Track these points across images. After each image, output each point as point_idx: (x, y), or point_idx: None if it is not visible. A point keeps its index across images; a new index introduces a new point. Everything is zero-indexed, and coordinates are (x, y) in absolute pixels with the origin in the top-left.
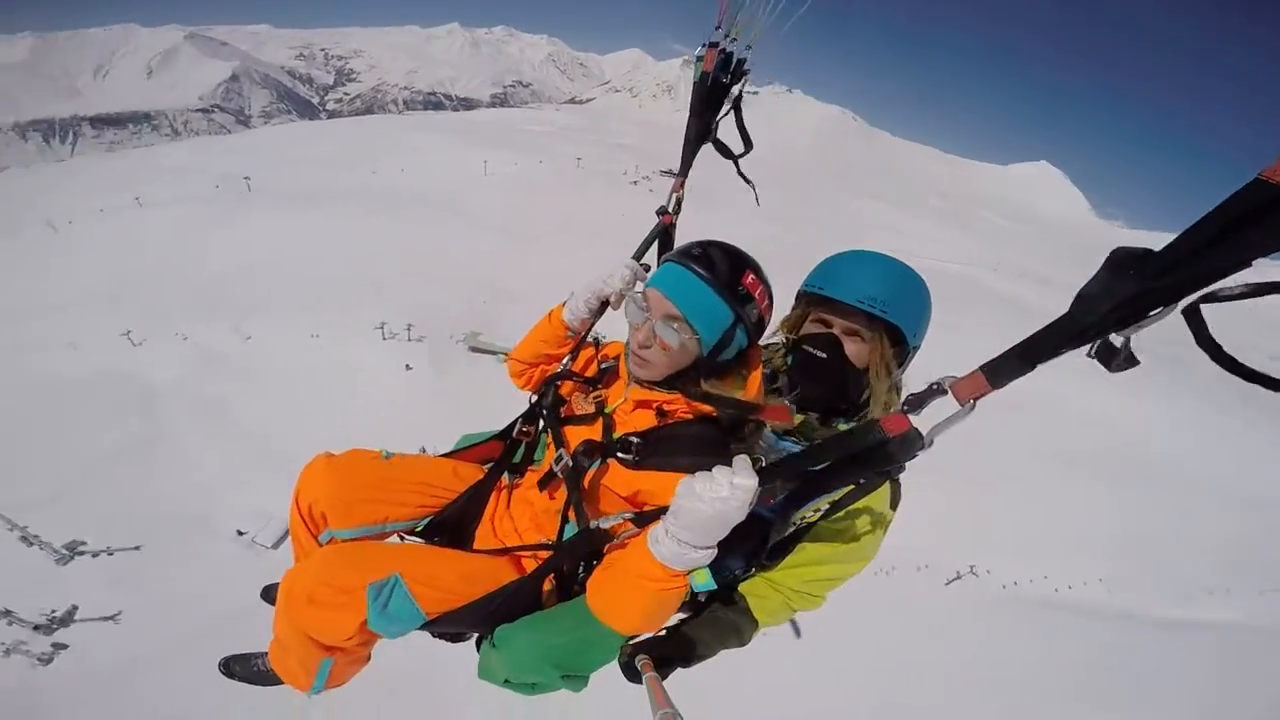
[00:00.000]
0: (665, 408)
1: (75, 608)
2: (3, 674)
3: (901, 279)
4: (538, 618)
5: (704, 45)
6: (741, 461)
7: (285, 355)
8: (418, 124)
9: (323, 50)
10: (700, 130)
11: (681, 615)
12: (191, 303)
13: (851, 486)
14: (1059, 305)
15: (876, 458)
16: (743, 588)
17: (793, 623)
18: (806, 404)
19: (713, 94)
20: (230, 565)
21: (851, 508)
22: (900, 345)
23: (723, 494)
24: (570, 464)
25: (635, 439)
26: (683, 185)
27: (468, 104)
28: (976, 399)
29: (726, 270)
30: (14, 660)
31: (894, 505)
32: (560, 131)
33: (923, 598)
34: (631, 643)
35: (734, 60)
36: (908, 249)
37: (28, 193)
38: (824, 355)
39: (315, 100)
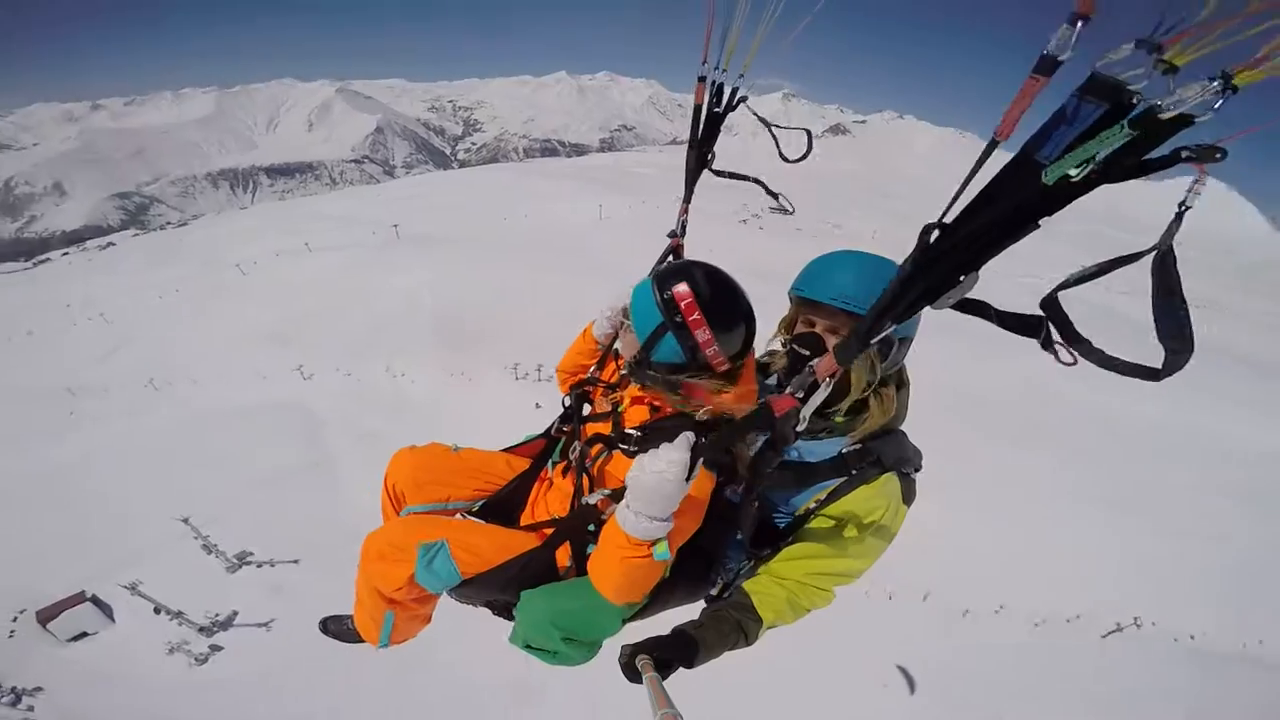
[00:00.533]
0: (654, 403)
1: (235, 613)
2: (163, 671)
3: (875, 275)
4: (554, 586)
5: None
6: (682, 439)
7: (429, 393)
8: (537, 171)
9: (450, 102)
10: (698, 160)
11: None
12: (352, 341)
13: (842, 479)
14: (1231, 333)
15: (764, 427)
16: (746, 585)
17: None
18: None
19: (708, 125)
20: None
21: (852, 502)
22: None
23: (659, 467)
24: (579, 453)
25: (635, 432)
26: (687, 210)
27: (579, 149)
28: (832, 376)
29: (667, 282)
30: (175, 658)
31: (907, 501)
32: (665, 174)
33: (1088, 653)
34: (632, 643)
35: (725, 91)
36: (1040, 275)
37: (220, 238)
38: (808, 353)
39: (447, 150)
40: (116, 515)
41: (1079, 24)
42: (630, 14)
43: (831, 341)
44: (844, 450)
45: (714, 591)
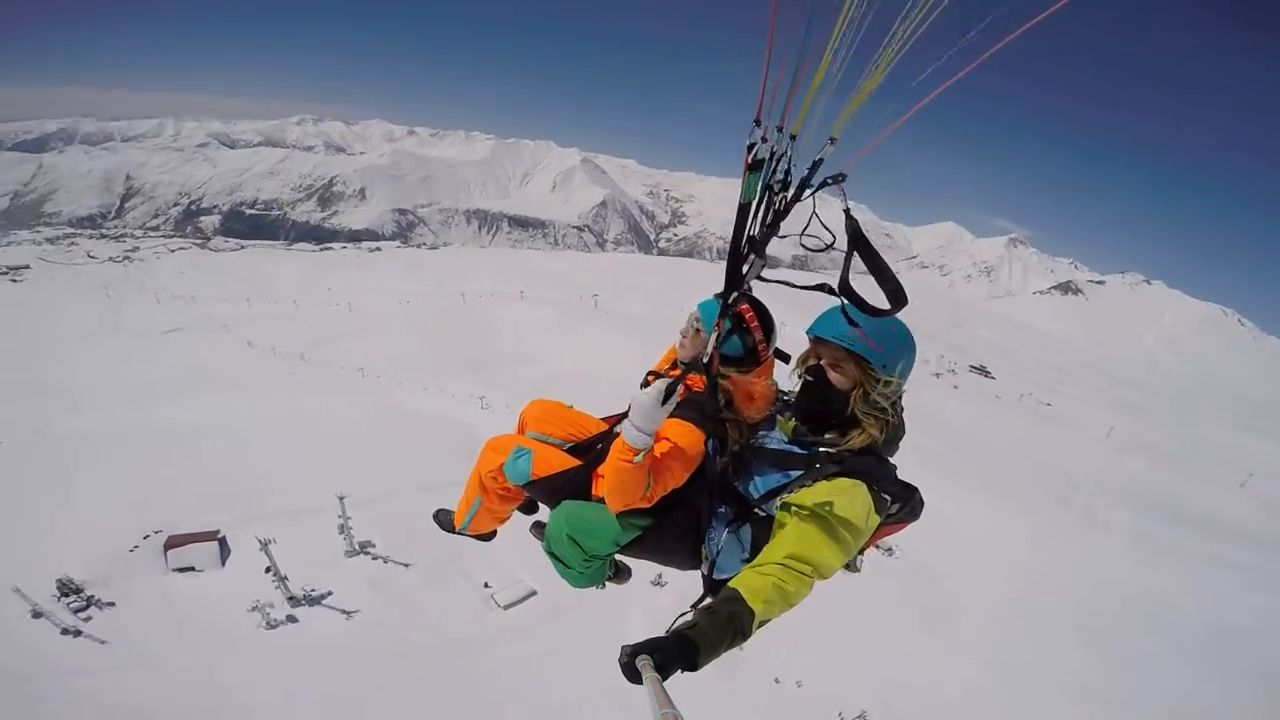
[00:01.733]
0: (687, 381)
1: (329, 593)
2: (229, 623)
3: (873, 321)
4: (579, 501)
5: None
6: (663, 380)
7: None
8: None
9: (666, 190)
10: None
11: (686, 619)
12: (531, 388)
13: (810, 470)
14: None
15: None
16: (733, 583)
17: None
18: (805, 418)
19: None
20: (465, 608)
21: (821, 494)
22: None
23: (645, 390)
24: None
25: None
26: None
27: (771, 261)
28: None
29: (729, 300)
30: (250, 616)
31: (878, 510)
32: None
33: None
34: (632, 643)
35: (789, 166)
36: None
37: (457, 267)
38: (812, 379)
39: (652, 235)
40: (290, 474)
41: (754, 126)
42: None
43: (833, 373)
44: (821, 450)
45: (704, 571)
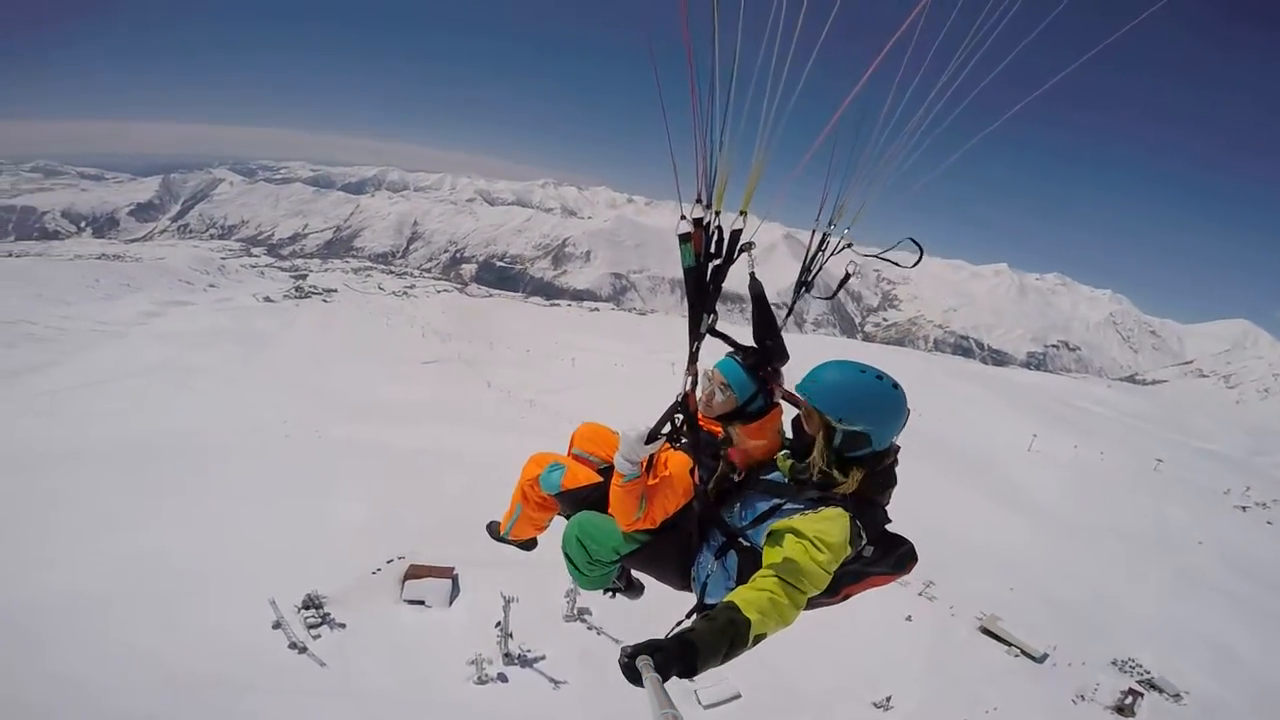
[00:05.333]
0: (700, 424)
1: (542, 658)
2: (444, 671)
3: (838, 384)
4: (593, 512)
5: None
6: (643, 427)
7: None
8: (953, 371)
9: (876, 271)
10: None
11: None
12: None
13: (797, 499)
14: None
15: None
16: (729, 596)
17: None
18: (794, 453)
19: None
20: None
21: (808, 522)
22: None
23: (630, 427)
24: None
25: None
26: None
27: (998, 357)
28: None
29: (757, 367)
30: (465, 669)
31: (852, 541)
32: (1120, 417)
33: None
34: (632, 644)
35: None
36: None
37: (663, 335)
38: (795, 427)
39: (857, 319)
40: None
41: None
42: (1093, 214)
43: (807, 420)
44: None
45: (696, 594)
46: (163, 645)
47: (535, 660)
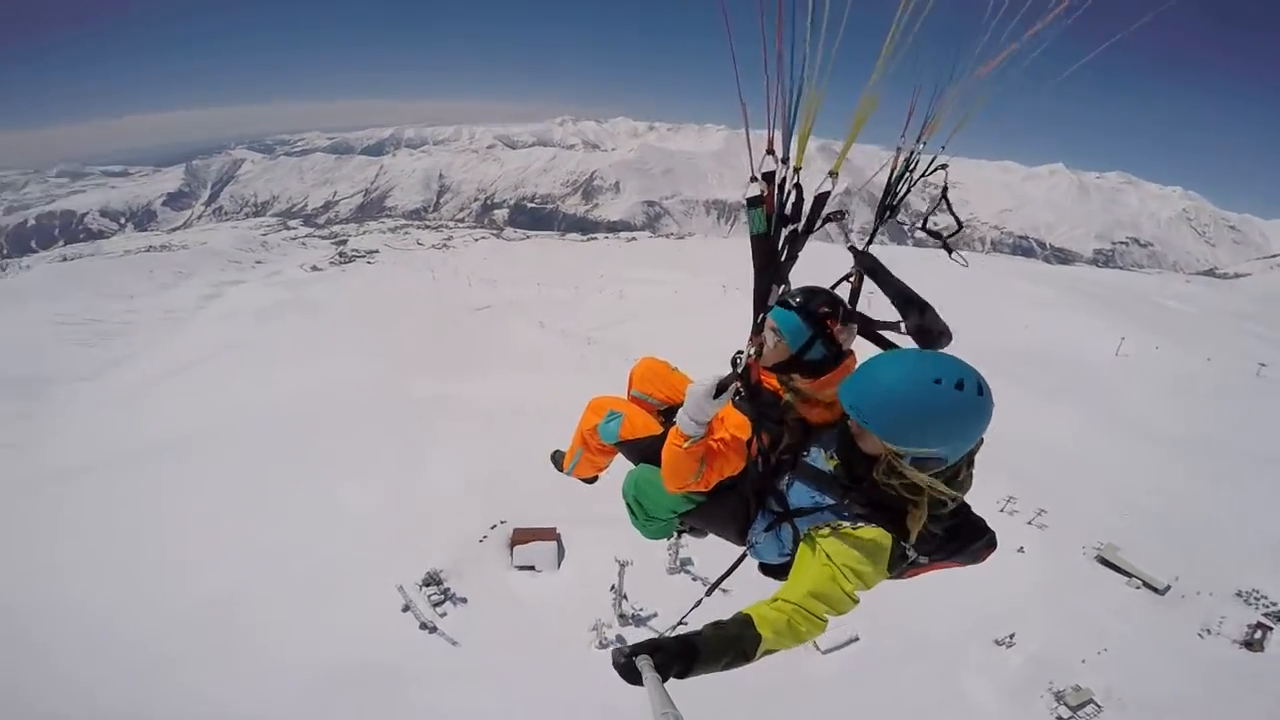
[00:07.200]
0: (762, 380)
1: (655, 614)
2: (575, 641)
3: (899, 400)
4: (651, 466)
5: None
6: (711, 377)
7: None
8: (1016, 270)
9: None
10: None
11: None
12: None
13: (832, 502)
14: None
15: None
16: (747, 609)
17: None
18: (842, 460)
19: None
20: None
21: (843, 542)
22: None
23: (695, 383)
24: None
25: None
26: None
27: (1062, 256)
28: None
29: (813, 309)
30: (585, 635)
31: (891, 566)
32: (1210, 315)
33: None
34: (632, 644)
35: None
36: None
37: (706, 257)
38: (842, 433)
39: (906, 226)
40: (614, 470)
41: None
42: (1160, 107)
43: (862, 439)
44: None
45: (743, 550)
46: (307, 641)
47: (648, 618)
